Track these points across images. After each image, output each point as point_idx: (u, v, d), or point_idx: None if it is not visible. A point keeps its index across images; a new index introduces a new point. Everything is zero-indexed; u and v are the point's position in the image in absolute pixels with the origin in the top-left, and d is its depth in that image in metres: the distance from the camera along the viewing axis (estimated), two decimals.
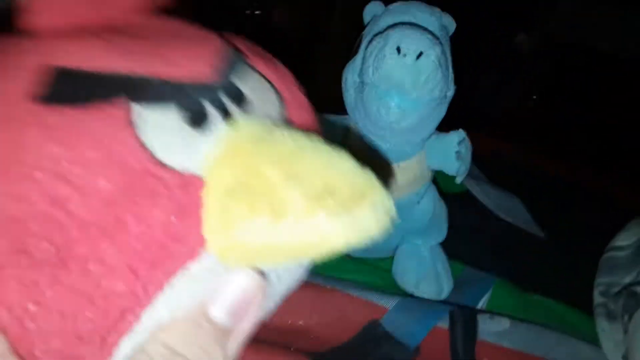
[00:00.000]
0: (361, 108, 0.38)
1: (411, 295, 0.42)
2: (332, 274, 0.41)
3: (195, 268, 0.16)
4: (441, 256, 0.45)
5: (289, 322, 0.36)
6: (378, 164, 0.40)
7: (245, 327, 0.18)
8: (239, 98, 0.18)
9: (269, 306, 0.19)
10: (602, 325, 0.42)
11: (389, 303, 0.38)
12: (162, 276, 0.16)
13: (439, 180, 0.54)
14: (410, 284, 0.42)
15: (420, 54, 0.33)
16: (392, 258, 0.45)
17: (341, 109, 0.42)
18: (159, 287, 0.16)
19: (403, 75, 0.34)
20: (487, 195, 0.60)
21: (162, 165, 0.16)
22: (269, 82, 0.20)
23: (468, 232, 0.53)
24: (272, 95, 0.19)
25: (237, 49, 0.20)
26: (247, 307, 0.18)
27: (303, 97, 0.21)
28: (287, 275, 0.20)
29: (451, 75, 0.38)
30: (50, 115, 0.15)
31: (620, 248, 0.49)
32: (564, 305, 0.46)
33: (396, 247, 0.45)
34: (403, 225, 0.43)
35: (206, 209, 0.16)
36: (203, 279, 0.17)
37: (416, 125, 0.37)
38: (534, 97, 1.30)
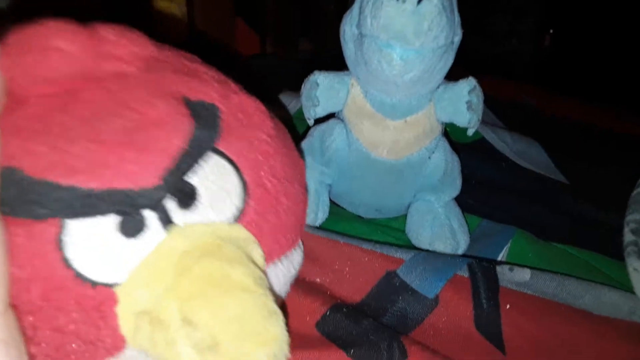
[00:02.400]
0: (362, 62, 0.36)
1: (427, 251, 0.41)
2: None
3: (125, 354, 0.19)
4: (456, 211, 0.43)
5: (306, 279, 0.35)
6: None
7: None
8: (189, 197, 0.19)
9: None
10: (634, 265, 0.41)
11: (404, 256, 0.37)
12: None
13: (451, 130, 0.51)
14: (425, 242, 0.41)
15: None
16: (405, 217, 0.44)
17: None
18: None
19: (404, 24, 0.31)
20: (505, 142, 0.58)
21: (83, 281, 0.17)
22: (235, 167, 0.20)
23: (485, 183, 0.51)
24: (232, 184, 0.20)
25: (211, 124, 0.20)
26: None
27: (273, 182, 0.21)
28: None
29: (457, 19, 0.35)
30: None
31: None
32: (589, 252, 0.44)
33: (409, 206, 0.43)
34: (414, 183, 0.42)
35: (122, 319, 0.18)
36: None
37: (421, 77, 0.35)
38: (551, 31, 1.24)
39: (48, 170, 0.17)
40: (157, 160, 0.18)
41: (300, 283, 0.34)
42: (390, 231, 0.44)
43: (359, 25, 0.35)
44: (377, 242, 0.38)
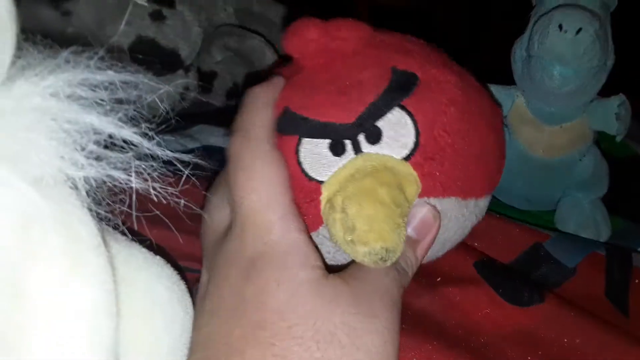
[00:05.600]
0: (527, 77, 0.46)
1: None
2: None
3: (319, 232, 0.29)
4: (601, 208, 0.50)
5: (467, 242, 0.43)
6: None
7: (426, 243, 0.28)
8: (375, 138, 0.27)
9: (438, 243, 0.29)
10: None
11: (551, 233, 0.45)
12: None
13: (606, 147, 0.58)
14: (570, 231, 0.49)
15: (580, 29, 0.40)
16: (554, 211, 0.52)
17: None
18: None
19: (564, 48, 0.41)
20: None
21: (306, 176, 0.28)
22: (414, 121, 0.27)
23: (634, 192, 0.57)
24: (408, 133, 0.27)
25: (405, 87, 0.28)
26: (427, 229, 0.28)
27: (443, 137, 0.28)
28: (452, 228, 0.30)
29: (611, 47, 0.44)
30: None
31: None
32: None
33: (558, 201, 0.52)
34: (565, 180, 0.50)
35: (322, 204, 0.28)
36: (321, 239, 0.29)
37: (577, 91, 0.44)
38: None
39: (299, 108, 0.28)
40: (355, 107, 0.27)
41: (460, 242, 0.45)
42: (540, 221, 0.52)
43: (527, 49, 0.45)
44: (527, 222, 0.47)
